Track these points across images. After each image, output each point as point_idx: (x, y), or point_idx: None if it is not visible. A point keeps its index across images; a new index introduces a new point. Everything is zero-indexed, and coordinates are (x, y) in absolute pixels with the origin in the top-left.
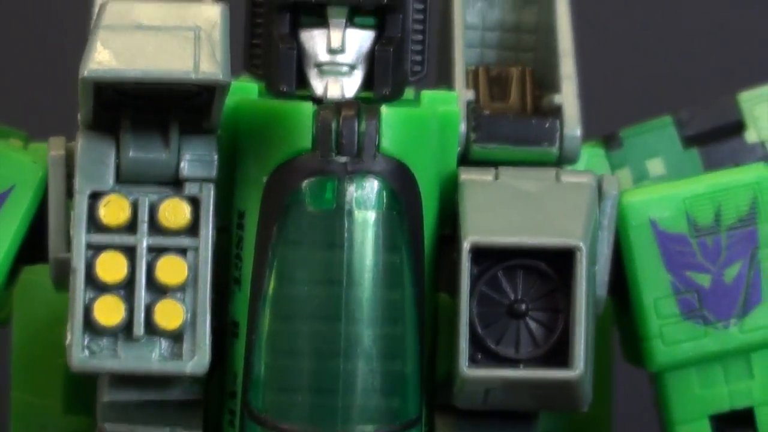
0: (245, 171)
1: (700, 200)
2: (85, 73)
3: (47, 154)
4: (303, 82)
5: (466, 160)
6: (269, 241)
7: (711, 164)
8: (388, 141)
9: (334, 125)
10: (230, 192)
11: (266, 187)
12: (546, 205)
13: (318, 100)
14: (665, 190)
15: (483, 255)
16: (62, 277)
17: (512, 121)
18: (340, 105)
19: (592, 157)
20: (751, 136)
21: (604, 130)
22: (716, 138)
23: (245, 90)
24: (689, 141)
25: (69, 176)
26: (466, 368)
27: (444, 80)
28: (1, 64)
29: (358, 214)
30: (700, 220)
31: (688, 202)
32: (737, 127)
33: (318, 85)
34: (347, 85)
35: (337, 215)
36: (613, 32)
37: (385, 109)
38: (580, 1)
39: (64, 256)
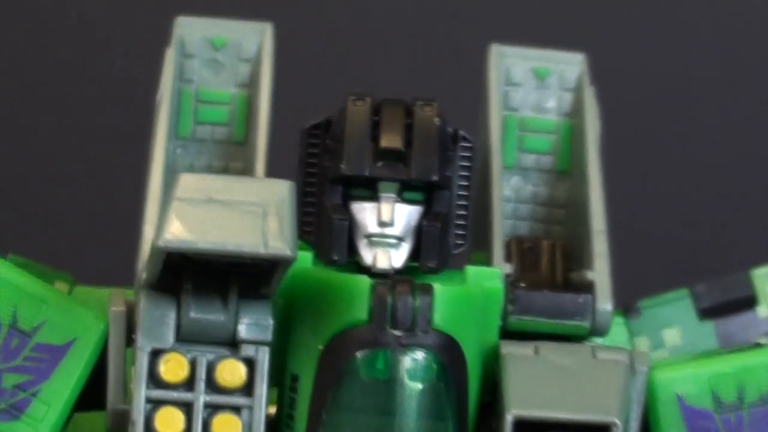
0: (300, 337)
1: (724, 379)
2: (160, 243)
3: (106, 308)
4: (352, 250)
5: (503, 329)
6: (323, 405)
7: (724, 335)
8: (439, 317)
9: (389, 300)
10: (283, 355)
11: (322, 355)
12: (583, 380)
13: (368, 270)
14: (692, 368)
15: (523, 426)
16: (118, 427)
17: (547, 296)
18: (395, 281)
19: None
20: (762, 310)
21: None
22: (729, 311)
23: (300, 258)
24: (704, 313)
25: (129, 329)
26: None
27: (480, 246)
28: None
29: (408, 385)
30: (724, 397)
31: (714, 381)
32: (750, 301)
33: (368, 255)
34: (395, 257)
35: (390, 385)
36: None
37: (437, 287)
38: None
39: (122, 408)
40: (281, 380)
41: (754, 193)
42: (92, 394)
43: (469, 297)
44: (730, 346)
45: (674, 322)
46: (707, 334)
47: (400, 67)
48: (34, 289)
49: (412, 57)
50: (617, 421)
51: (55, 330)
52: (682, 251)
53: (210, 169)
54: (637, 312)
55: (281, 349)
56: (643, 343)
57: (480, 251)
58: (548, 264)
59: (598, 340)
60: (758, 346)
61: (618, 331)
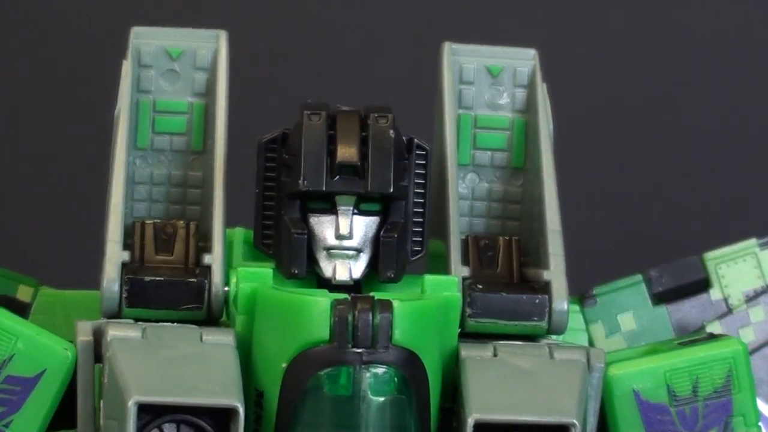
0: (263, 356)
1: (679, 373)
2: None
3: (71, 318)
4: (311, 262)
5: (461, 331)
6: (289, 422)
7: (678, 319)
8: (399, 332)
9: (350, 318)
10: (246, 371)
11: (286, 373)
12: (542, 382)
13: (329, 282)
14: (647, 363)
15: (483, 429)
16: None
17: (504, 298)
18: (355, 299)
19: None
20: (715, 293)
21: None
22: (683, 295)
23: (261, 276)
24: (658, 298)
25: (97, 358)
26: None
27: (437, 236)
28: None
29: (371, 400)
30: (679, 391)
31: (669, 375)
32: (703, 284)
33: (327, 267)
34: (354, 268)
35: (353, 401)
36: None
37: (397, 303)
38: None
39: None
40: (245, 395)
41: (707, 179)
42: (63, 414)
43: (428, 309)
44: (684, 336)
45: (629, 308)
46: (661, 319)
47: (355, 68)
48: (3, 323)
49: (366, 59)
50: (575, 422)
51: (25, 362)
52: (638, 237)
53: (169, 179)
54: (592, 299)
55: (244, 365)
56: (598, 330)
57: (437, 239)
58: (505, 261)
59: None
60: (712, 336)
61: (574, 319)
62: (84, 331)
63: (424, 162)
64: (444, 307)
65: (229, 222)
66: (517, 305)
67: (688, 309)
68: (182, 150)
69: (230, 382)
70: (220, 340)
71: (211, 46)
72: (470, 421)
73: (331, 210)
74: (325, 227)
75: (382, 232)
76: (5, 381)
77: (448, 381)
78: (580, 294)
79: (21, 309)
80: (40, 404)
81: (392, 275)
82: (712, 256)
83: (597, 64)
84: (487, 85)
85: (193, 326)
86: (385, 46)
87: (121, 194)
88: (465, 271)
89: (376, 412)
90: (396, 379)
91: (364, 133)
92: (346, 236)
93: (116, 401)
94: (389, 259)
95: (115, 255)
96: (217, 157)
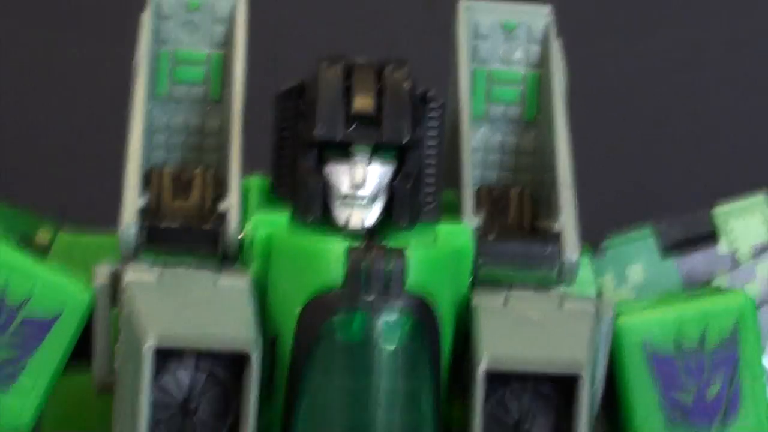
0: (277, 301)
1: (687, 324)
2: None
3: (89, 261)
4: (326, 210)
5: (473, 279)
6: (302, 366)
7: (686, 272)
8: (412, 279)
9: (363, 265)
10: (261, 317)
11: (299, 319)
12: (552, 332)
13: (343, 229)
14: (656, 313)
15: (492, 377)
16: (105, 392)
17: (515, 247)
18: (369, 246)
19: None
20: (723, 247)
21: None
22: (691, 248)
23: (276, 222)
24: (666, 250)
25: (113, 296)
26: None
27: (451, 186)
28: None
29: (383, 346)
30: (686, 342)
31: (677, 325)
32: (711, 238)
33: (341, 215)
34: (368, 216)
35: (365, 347)
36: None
37: (410, 251)
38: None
39: (108, 381)
40: (260, 340)
41: (720, 133)
42: (79, 347)
43: (440, 257)
44: (692, 288)
45: (638, 260)
46: (670, 271)
47: (373, 23)
48: (23, 264)
49: (384, 13)
50: (584, 373)
51: (41, 304)
52: (648, 190)
53: (187, 127)
54: (602, 252)
55: (259, 310)
56: (608, 281)
57: (451, 189)
58: (516, 211)
59: None
60: (718, 290)
61: (583, 270)
62: (102, 275)
63: (438, 114)
64: (456, 255)
65: (246, 170)
66: (527, 254)
67: (696, 262)
68: (200, 100)
69: (245, 326)
70: (236, 285)
71: None
72: (480, 372)
73: (347, 159)
74: (340, 176)
75: (396, 181)
76: (22, 324)
77: (460, 328)
78: (590, 245)
79: (39, 252)
80: (55, 347)
81: (405, 223)
82: (721, 211)
83: (609, 20)
84: (501, 40)
85: (209, 271)
86: (403, 1)
87: (140, 142)
88: (477, 221)
89: (388, 358)
90: (408, 325)
91: (379, 85)
92: (360, 185)
93: (132, 345)
94: (403, 208)
95: (132, 201)
96: (234, 107)
